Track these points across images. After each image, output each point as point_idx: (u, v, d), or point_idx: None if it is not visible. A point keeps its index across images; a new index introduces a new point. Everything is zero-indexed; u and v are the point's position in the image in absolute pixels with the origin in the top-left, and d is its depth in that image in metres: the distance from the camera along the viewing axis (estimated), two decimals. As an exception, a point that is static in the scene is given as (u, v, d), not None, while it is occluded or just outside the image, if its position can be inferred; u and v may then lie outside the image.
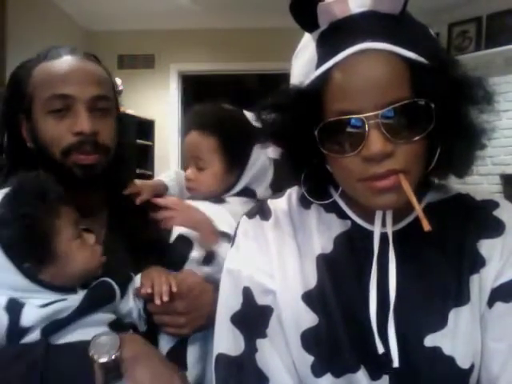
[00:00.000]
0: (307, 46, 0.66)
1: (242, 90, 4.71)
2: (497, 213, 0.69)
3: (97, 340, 0.71)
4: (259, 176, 0.97)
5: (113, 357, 0.69)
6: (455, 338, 0.63)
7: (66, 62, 0.90)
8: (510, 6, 3.84)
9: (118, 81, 4.56)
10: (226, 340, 0.70)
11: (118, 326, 0.82)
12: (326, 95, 0.61)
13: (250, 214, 0.76)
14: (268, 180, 0.99)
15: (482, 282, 0.65)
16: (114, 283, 0.84)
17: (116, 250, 0.91)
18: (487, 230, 0.68)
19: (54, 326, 0.75)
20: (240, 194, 0.96)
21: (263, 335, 0.68)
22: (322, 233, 0.71)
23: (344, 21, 0.60)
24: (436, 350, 0.63)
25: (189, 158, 1.00)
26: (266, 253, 0.71)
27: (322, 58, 0.62)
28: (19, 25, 3.46)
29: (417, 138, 0.58)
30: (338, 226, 0.71)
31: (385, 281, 0.65)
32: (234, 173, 0.96)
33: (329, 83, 0.60)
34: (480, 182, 3.85)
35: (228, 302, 0.72)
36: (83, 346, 0.70)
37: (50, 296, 0.76)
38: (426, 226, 0.58)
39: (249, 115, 0.99)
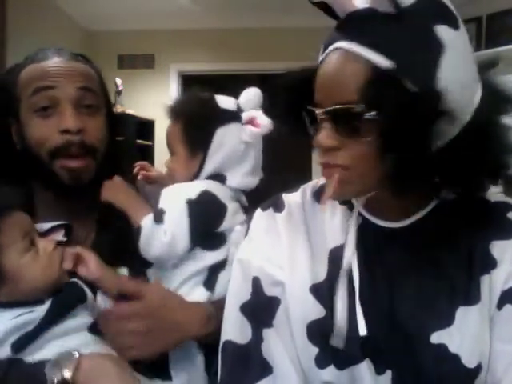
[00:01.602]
0: None
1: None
2: (511, 215, 0.69)
3: (53, 359, 0.68)
4: (230, 161, 0.93)
5: (64, 376, 0.66)
6: (462, 336, 0.63)
7: (51, 61, 0.90)
8: (510, 6, 3.84)
9: (118, 81, 4.57)
10: (234, 328, 0.71)
11: (97, 328, 0.78)
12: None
13: (264, 207, 0.78)
14: (246, 167, 0.95)
15: (493, 284, 0.65)
16: (82, 284, 0.80)
17: (103, 255, 0.89)
18: (500, 232, 0.67)
19: (23, 339, 0.71)
20: (210, 179, 0.94)
21: (269, 325, 0.70)
22: (335, 226, 0.72)
23: (350, 15, 0.61)
24: (441, 348, 0.62)
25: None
26: (277, 244, 0.73)
27: (322, 49, 0.65)
28: (19, 25, 3.45)
29: (357, 141, 0.60)
30: (350, 220, 0.72)
31: (390, 276, 0.66)
32: (198, 157, 0.94)
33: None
34: (480, 182, 3.85)
35: (238, 292, 0.73)
36: (44, 366, 0.68)
37: (15, 312, 0.72)
38: (323, 200, 0.65)
39: (221, 99, 0.97)
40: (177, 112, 0.99)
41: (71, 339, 0.74)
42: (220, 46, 4.84)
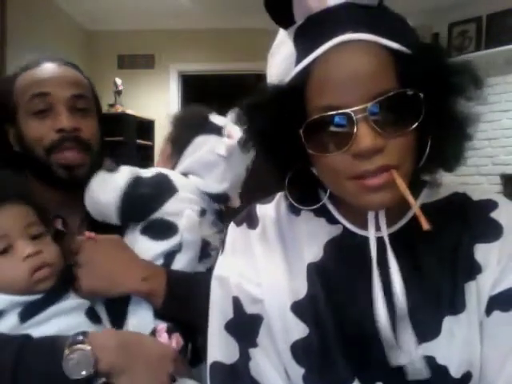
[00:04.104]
0: (284, 42, 0.64)
1: (241, 90, 4.70)
2: (494, 214, 0.64)
3: (70, 361, 0.70)
4: (199, 166, 1.00)
5: (86, 374, 0.70)
6: (449, 347, 0.60)
7: (44, 67, 0.96)
8: (510, 6, 3.84)
9: (118, 81, 4.57)
10: (220, 347, 0.69)
11: (93, 315, 0.82)
12: (308, 92, 0.58)
13: (238, 222, 0.74)
14: (213, 175, 1.00)
15: (480, 289, 0.62)
16: None
17: None
18: (483, 234, 0.63)
19: (30, 308, 0.74)
20: None
21: (254, 345, 0.67)
22: (311, 240, 0.68)
23: (321, 14, 0.58)
24: (429, 360, 0.60)
25: None
26: (253, 263, 0.69)
27: (301, 53, 0.59)
28: (19, 25, 3.46)
29: (408, 129, 0.56)
30: (327, 232, 0.68)
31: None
32: (176, 157, 1.04)
33: (311, 79, 0.57)
34: (480, 182, 3.85)
35: (221, 310, 0.70)
36: (57, 347, 0.71)
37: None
38: (425, 224, 0.55)
39: (214, 115, 1.05)
40: (173, 117, 1.10)
41: (70, 318, 0.77)
42: (220, 46, 4.84)
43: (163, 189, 0.94)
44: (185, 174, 1.00)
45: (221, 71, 4.99)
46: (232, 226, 0.74)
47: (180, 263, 0.92)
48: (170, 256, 0.92)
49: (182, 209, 0.94)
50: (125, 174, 0.93)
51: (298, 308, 0.65)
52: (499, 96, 3.63)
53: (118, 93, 4.55)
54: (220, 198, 1.02)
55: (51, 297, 0.77)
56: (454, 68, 0.57)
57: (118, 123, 4.18)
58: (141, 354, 0.77)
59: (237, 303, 0.69)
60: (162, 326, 0.84)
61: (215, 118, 1.04)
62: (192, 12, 4.38)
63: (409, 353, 0.61)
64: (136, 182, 0.93)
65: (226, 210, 1.06)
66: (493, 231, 0.63)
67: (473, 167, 3.79)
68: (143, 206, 0.92)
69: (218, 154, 0.99)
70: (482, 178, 3.85)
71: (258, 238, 0.70)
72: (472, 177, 3.80)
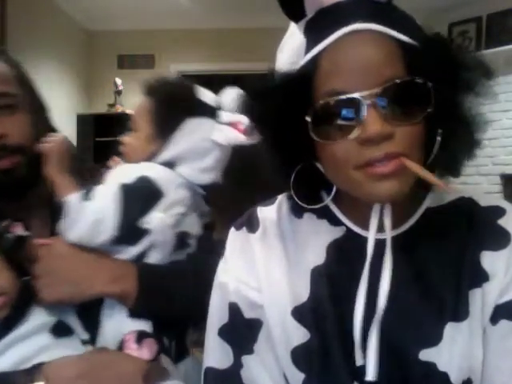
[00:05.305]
0: (293, 35, 0.65)
1: (241, 90, 4.69)
2: (502, 221, 0.63)
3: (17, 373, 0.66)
4: (189, 154, 0.89)
5: None
6: (450, 353, 0.59)
7: None
8: (510, 6, 3.85)
9: (118, 81, 4.58)
10: (214, 353, 0.69)
11: (61, 329, 0.77)
12: (317, 80, 0.58)
13: (237, 226, 0.73)
14: (203, 164, 0.89)
15: (485, 297, 0.61)
16: None
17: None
18: (490, 241, 0.62)
19: None
20: (164, 165, 0.89)
21: (250, 351, 0.66)
22: (314, 242, 0.67)
23: (331, 7, 0.59)
24: (430, 366, 0.59)
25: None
26: (253, 267, 0.68)
27: (311, 43, 0.60)
28: (19, 25, 3.46)
29: (417, 119, 0.55)
30: (329, 234, 0.67)
31: (376, 290, 0.61)
32: (160, 140, 0.89)
33: (320, 66, 0.57)
34: (480, 182, 3.85)
35: (218, 316, 0.70)
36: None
37: None
38: (435, 181, 0.55)
39: (203, 92, 0.93)
40: (154, 89, 0.94)
41: (31, 343, 0.73)
42: (220, 46, 4.84)
43: (148, 200, 0.84)
44: (170, 163, 0.88)
45: (221, 71, 4.98)
46: (232, 230, 0.73)
47: (152, 259, 0.85)
48: (141, 255, 0.84)
49: (163, 216, 0.85)
50: (109, 202, 0.81)
51: (299, 312, 0.64)
52: (499, 96, 3.64)
53: (118, 93, 4.56)
54: (210, 188, 0.93)
55: (7, 326, 0.72)
56: (463, 61, 0.57)
57: (118, 123, 4.18)
58: (108, 377, 0.73)
59: (234, 309, 0.68)
60: (130, 335, 0.78)
61: (203, 95, 0.91)
62: (192, 12, 4.38)
63: (368, 356, 0.60)
64: (124, 201, 0.81)
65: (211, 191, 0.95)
66: (500, 239, 0.62)
67: (473, 167, 3.78)
68: (132, 224, 0.83)
69: (213, 142, 0.89)
70: (482, 177, 3.85)
71: (258, 241, 0.69)
72: (472, 177, 3.80)
